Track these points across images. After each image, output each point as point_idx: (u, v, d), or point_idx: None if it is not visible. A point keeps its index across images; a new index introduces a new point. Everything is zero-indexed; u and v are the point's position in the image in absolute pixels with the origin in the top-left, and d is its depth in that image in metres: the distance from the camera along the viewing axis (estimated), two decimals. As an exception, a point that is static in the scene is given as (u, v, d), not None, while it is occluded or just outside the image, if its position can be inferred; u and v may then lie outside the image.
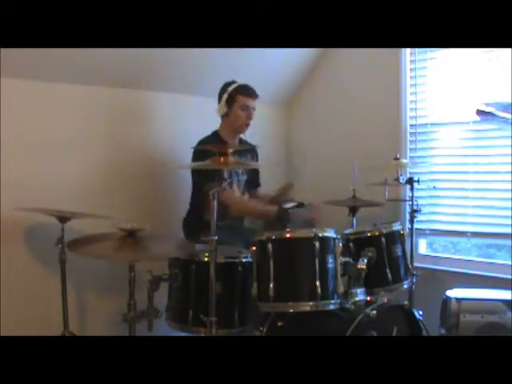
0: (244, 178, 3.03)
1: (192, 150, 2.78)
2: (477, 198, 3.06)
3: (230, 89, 2.80)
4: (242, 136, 2.97)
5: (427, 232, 3.25)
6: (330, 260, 2.13)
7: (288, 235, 2.20)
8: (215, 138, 2.85)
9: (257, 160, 3.03)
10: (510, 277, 2.76)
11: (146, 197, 3.03)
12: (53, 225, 2.37)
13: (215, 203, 1.99)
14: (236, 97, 2.82)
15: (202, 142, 2.79)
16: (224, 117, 2.87)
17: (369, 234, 2.49)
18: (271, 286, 2.08)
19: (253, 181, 3.13)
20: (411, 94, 3.27)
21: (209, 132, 2.92)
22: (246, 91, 2.84)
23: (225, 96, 2.79)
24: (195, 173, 2.80)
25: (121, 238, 2.10)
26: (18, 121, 2.57)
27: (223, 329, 2.13)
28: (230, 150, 2.00)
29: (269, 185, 3.47)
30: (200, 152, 2.69)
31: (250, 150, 2.96)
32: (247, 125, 2.89)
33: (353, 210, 2.97)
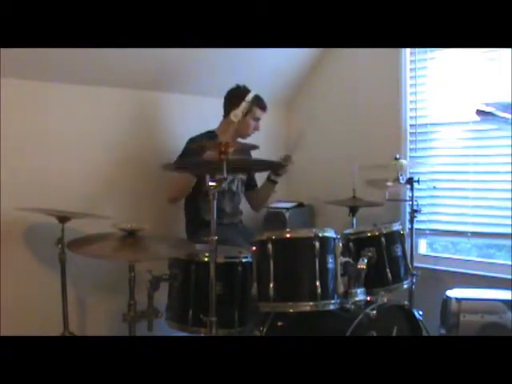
0: (243, 177, 3.04)
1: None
2: (477, 198, 3.05)
3: (248, 99, 2.80)
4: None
5: (427, 232, 3.25)
6: (330, 260, 2.13)
7: (288, 235, 2.20)
8: (210, 137, 2.85)
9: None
10: (509, 277, 2.76)
11: (146, 197, 3.03)
12: (53, 225, 2.37)
13: (215, 203, 1.99)
14: (252, 108, 2.86)
15: (193, 140, 2.82)
16: (233, 122, 2.87)
17: (369, 234, 2.49)
18: (271, 286, 2.08)
19: (249, 181, 3.14)
20: (411, 93, 3.27)
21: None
22: (263, 104, 2.93)
23: (243, 105, 2.78)
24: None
25: (121, 238, 2.10)
26: (18, 121, 2.57)
27: (223, 329, 2.13)
28: (231, 150, 2.00)
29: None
30: (190, 150, 2.73)
31: (244, 151, 2.97)
32: (252, 133, 2.97)
33: (353, 210, 2.97)
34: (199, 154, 2.49)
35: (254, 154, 2.80)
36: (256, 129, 2.96)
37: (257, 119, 2.93)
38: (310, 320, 2.21)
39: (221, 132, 2.91)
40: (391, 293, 2.45)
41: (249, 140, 2.96)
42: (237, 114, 2.79)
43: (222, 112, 2.96)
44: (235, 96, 2.86)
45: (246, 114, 2.83)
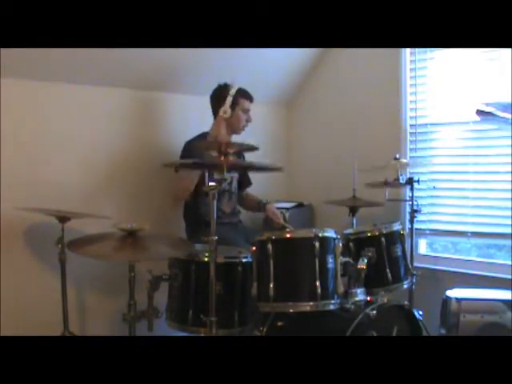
0: (236, 176, 3.05)
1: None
2: (477, 198, 3.06)
3: (233, 92, 2.83)
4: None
5: (427, 232, 3.25)
6: (330, 260, 2.13)
7: (288, 235, 2.21)
8: (205, 139, 2.86)
9: (243, 159, 3.05)
10: (509, 277, 2.76)
11: (146, 197, 3.03)
12: (53, 225, 2.37)
13: (215, 203, 1.99)
14: (238, 100, 2.88)
15: (189, 143, 2.84)
16: (224, 118, 2.87)
17: (369, 234, 2.49)
18: (271, 286, 2.08)
19: (243, 180, 3.14)
20: (411, 93, 3.27)
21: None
22: (247, 95, 2.93)
23: (229, 99, 2.82)
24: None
25: (121, 238, 2.10)
26: (18, 121, 2.57)
27: (223, 329, 2.13)
28: (231, 150, 2.00)
29: (268, 185, 3.49)
30: (189, 152, 2.74)
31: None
32: (245, 126, 2.96)
33: (353, 210, 2.97)
34: (199, 156, 2.49)
35: (255, 153, 2.79)
36: (248, 121, 2.96)
37: (246, 111, 2.93)
38: (310, 320, 2.21)
39: (214, 131, 2.91)
40: (391, 293, 2.45)
41: (249, 139, 2.96)
42: (225, 109, 2.82)
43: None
44: (220, 93, 2.88)
45: (234, 107, 2.85)
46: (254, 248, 2.16)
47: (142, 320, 2.13)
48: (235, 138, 2.98)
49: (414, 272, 2.69)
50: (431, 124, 3.24)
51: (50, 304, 2.50)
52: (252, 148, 2.16)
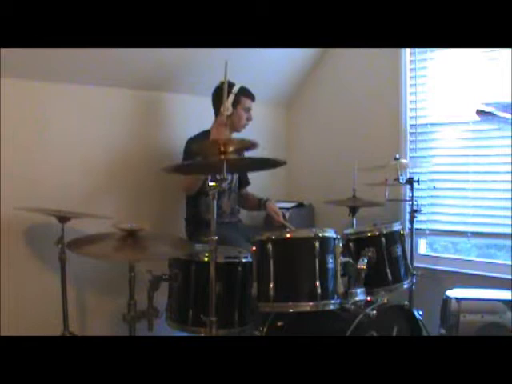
0: (236, 175, 3.05)
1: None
2: (477, 198, 3.06)
3: (235, 90, 2.85)
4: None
5: (427, 232, 3.25)
6: (330, 260, 2.13)
7: (288, 235, 2.20)
8: (207, 137, 2.86)
9: None
10: (509, 277, 2.76)
11: (146, 197, 3.03)
12: (53, 225, 2.37)
13: (215, 203, 1.99)
14: (240, 98, 2.89)
15: (191, 141, 2.84)
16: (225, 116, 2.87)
17: (369, 234, 2.49)
18: (271, 286, 2.08)
19: (242, 179, 3.14)
20: (411, 94, 3.28)
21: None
22: (249, 93, 2.93)
23: (231, 97, 2.84)
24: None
25: (121, 238, 2.10)
26: (17, 121, 2.57)
27: (223, 329, 2.13)
28: (231, 148, 2.00)
29: (268, 185, 3.49)
30: (191, 151, 2.73)
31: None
32: (246, 125, 2.96)
33: (353, 210, 2.97)
34: (200, 155, 2.49)
35: (254, 153, 2.79)
36: (249, 119, 2.96)
37: (247, 109, 2.93)
38: (310, 320, 2.22)
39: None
40: (391, 293, 2.45)
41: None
42: (227, 107, 2.82)
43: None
44: (221, 91, 2.87)
45: (235, 105, 2.86)
46: (254, 248, 2.16)
47: (142, 320, 2.13)
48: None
49: (414, 272, 2.69)
50: (431, 124, 3.24)
51: (49, 304, 2.50)
52: (253, 145, 2.14)
